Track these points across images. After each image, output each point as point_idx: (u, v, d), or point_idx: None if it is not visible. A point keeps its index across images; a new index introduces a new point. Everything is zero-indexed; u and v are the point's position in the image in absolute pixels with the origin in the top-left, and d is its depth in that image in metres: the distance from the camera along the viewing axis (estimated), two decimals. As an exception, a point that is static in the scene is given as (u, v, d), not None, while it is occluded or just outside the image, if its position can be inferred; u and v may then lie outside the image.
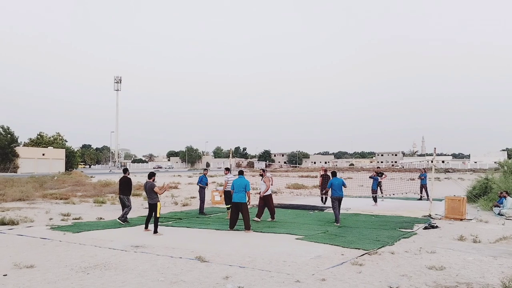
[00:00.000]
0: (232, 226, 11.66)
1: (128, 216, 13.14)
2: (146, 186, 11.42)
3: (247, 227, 11.40)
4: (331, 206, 13.52)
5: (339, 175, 14.30)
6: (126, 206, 13.04)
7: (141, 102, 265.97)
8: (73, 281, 6.47)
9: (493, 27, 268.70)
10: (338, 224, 12.72)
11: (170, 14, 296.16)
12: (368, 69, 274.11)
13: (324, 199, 19.30)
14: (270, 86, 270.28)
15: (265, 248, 9.02)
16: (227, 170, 14.99)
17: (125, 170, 13.73)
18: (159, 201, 11.19)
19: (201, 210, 15.42)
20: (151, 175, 11.69)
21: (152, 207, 11.20)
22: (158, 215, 11.07)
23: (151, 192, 11.21)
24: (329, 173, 20.64)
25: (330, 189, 13.44)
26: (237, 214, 11.68)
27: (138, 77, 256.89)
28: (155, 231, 10.91)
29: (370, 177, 20.33)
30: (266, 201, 13.56)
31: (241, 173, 12.31)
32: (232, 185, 11.98)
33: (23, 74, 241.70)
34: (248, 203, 11.97)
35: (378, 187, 21.22)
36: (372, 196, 19.13)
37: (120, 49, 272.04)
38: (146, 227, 11.45)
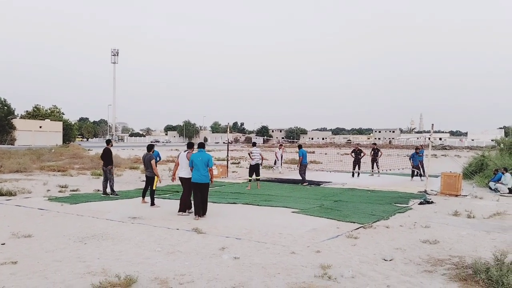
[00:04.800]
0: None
1: (126, 188, 13.15)
2: (145, 158, 11.40)
3: (205, 211, 9.66)
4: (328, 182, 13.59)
5: (336, 150, 14.85)
6: (107, 178, 12.96)
7: (139, 75, 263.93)
8: (71, 251, 6.53)
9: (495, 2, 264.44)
10: (306, 184, 16.29)
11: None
12: (367, 44, 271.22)
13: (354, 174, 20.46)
14: (269, 61, 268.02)
15: (261, 221, 9.09)
16: (254, 144, 17.16)
17: (108, 142, 13.52)
18: (157, 175, 11.21)
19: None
20: (150, 147, 11.64)
21: (149, 180, 11.23)
22: (154, 188, 11.14)
23: (149, 165, 11.21)
24: (361, 149, 21.23)
25: (302, 157, 17.17)
26: (195, 195, 9.59)
27: (136, 49, 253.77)
28: (152, 204, 10.99)
29: (410, 156, 20.27)
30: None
31: (201, 146, 9.93)
32: (190, 161, 9.71)
33: (17, 43, 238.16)
34: (211, 182, 9.86)
35: (375, 163, 21.36)
36: (415, 171, 19.63)
37: (119, 19, 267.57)
38: (143, 198, 11.52)
